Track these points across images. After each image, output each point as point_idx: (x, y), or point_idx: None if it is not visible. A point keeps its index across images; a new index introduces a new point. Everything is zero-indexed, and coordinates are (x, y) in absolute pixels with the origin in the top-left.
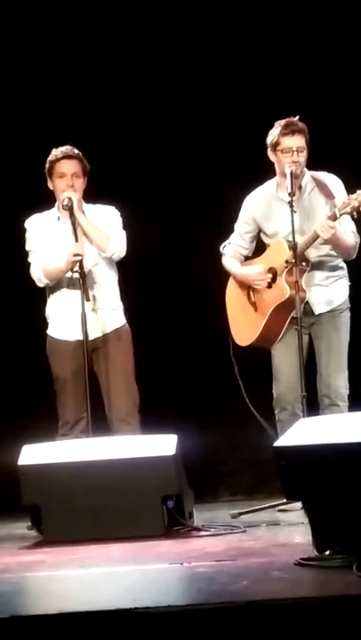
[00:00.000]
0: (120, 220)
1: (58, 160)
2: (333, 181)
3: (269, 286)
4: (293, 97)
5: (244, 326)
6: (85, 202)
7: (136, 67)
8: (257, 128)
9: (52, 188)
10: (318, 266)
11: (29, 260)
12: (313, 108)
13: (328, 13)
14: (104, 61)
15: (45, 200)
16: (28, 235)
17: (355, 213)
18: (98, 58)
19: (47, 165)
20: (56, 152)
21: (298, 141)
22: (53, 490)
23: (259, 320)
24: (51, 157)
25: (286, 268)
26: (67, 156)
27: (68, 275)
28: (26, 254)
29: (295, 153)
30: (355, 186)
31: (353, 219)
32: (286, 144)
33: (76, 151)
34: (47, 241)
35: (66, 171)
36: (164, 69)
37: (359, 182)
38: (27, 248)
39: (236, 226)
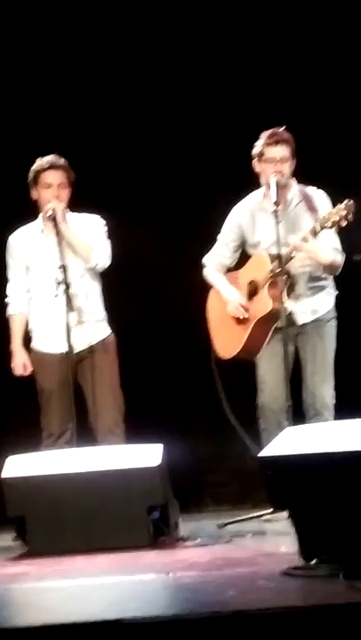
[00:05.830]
0: (105, 229)
1: (44, 170)
2: (320, 197)
3: (251, 299)
4: (283, 109)
5: (226, 339)
6: (71, 211)
7: (126, 75)
8: (246, 140)
9: (36, 198)
10: (302, 276)
11: (8, 275)
12: (301, 121)
13: (319, 26)
14: (93, 70)
15: (29, 211)
16: (9, 249)
17: (336, 228)
18: (87, 67)
19: (31, 175)
20: (41, 162)
21: (282, 151)
22: (38, 501)
23: (241, 333)
24: (36, 167)
25: (270, 278)
26: (53, 167)
27: (53, 286)
28: (5, 267)
29: (278, 163)
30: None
31: (338, 233)
32: (270, 154)
33: (62, 161)
34: (30, 255)
35: (52, 181)
36: (153, 79)
37: (346, 195)
38: (7, 262)
39: (220, 235)
